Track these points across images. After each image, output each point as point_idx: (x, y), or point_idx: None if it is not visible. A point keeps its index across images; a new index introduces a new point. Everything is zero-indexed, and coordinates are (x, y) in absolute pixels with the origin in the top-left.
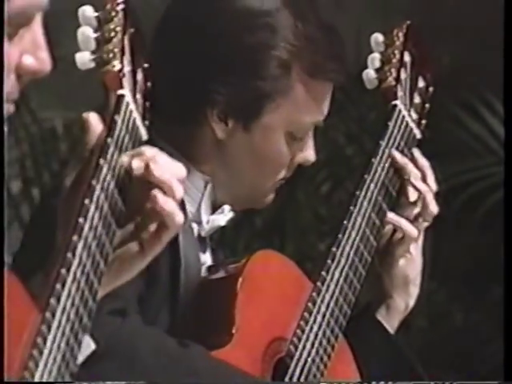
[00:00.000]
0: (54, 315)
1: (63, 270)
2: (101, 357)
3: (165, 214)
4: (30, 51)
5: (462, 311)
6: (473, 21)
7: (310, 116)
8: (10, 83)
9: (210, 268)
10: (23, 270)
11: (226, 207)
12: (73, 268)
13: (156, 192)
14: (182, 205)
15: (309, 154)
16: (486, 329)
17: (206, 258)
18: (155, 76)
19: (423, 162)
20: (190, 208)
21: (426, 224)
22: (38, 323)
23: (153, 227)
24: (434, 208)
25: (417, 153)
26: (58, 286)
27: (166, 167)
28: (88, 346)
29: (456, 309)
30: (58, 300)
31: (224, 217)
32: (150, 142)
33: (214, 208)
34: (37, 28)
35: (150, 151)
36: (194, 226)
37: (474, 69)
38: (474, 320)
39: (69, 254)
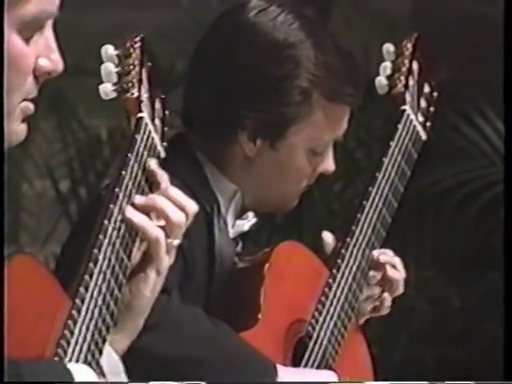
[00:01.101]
0: (82, 301)
1: (91, 264)
2: (150, 328)
3: (144, 235)
4: (45, 54)
5: (459, 295)
6: (470, 38)
7: (329, 135)
8: (29, 84)
9: (238, 257)
10: (69, 260)
11: (250, 214)
12: (99, 262)
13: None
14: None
15: (328, 164)
16: (480, 311)
17: (236, 250)
18: (194, 100)
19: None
20: (223, 210)
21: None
22: (69, 308)
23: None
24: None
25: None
26: (87, 276)
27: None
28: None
29: (453, 293)
30: (87, 289)
31: (248, 222)
32: (191, 154)
33: (242, 212)
34: (49, 33)
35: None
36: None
37: (470, 82)
38: (469, 303)
39: (95, 250)
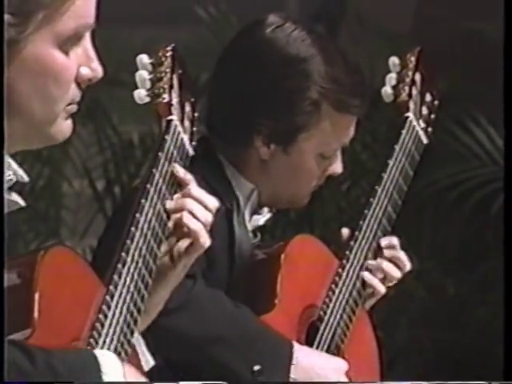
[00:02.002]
0: (116, 288)
1: (123, 253)
2: (177, 310)
3: (193, 236)
4: (85, 63)
5: (454, 284)
6: (464, 53)
7: (336, 141)
8: (72, 91)
9: (256, 249)
10: (104, 252)
11: (266, 209)
12: (131, 251)
13: (188, 217)
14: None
15: (337, 167)
16: (474, 298)
17: (254, 242)
18: (216, 107)
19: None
20: (241, 206)
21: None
22: (103, 294)
23: (184, 245)
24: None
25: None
26: (120, 265)
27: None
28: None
29: (449, 282)
30: (120, 276)
31: (263, 218)
32: (214, 156)
33: (259, 208)
34: (87, 43)
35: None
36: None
37: (465, 91)
38: (463, 291)
39: (128, 241)
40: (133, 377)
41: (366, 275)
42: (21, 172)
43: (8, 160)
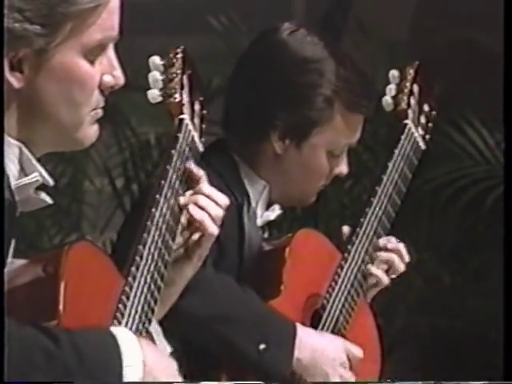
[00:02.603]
0: (134, 279)
1: (140, 246)
2: (188, 292)
3: (202, 227)
4: (108, 72)
5: (449, 274)
6: (459, 61)
7: (345, 139)
8: (96, 97)
9: (264, 241)
10: (123, 245)
11: (277, 206)
12: (147, 245)
13: (194, 208)
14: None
15: (343, 168)
16: (467, 288)
17: (263, 236)
18: (234, 105)
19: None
20: (252, 203)
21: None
22: (123, 286)
23: (196, 237)
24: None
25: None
26: (137, 257)
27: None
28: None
29: (445, 272)
30: (137, 268)
31: (274, 213)
32: (228, 156)
33: (269, 205)
34: (111, 53)
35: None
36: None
37: (459, 96)
38: (458, 281)
39: (144, 235)
40: (149, 349)
41: (372, 268)
42: (47, 177)
43: (36, 164)
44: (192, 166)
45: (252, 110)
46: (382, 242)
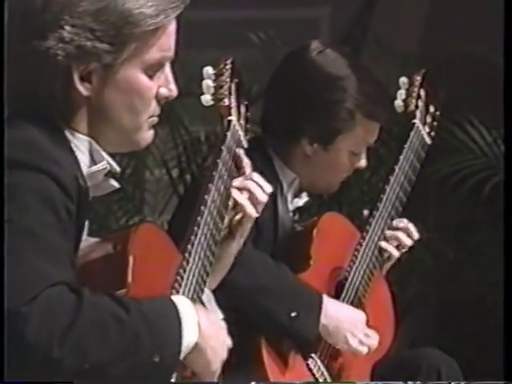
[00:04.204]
0: (190, 255)
1: (195, 227)
2: (232, 266)
3: (242, 209)
4: (164, 85)
5: (453, 250)
6: (463, 68)
7: (364, 142)
8: (153, 106)
9: (295, 223)
10: (178, 226)
11: (304, 194)
12: (201, 226)
13: (236, 192)
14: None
15: (362, 162)
16: (468, 262)
17: (294, 219)
18: (271, 114)
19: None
20: (285, 191)
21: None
22: (180, 260)
23: (237, 217)
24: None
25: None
26: (192, 237)
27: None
28: None
29: (449, 249)
30: (192, 245)
31: (302, 200)
32: (265, 151)
33: (299, 192)
34: (168, 70)
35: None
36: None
37: (462, 99)
38: (460, 256)
39: (198, 218)
40: (204, 315)
41: (384, 243)
42: (114, 165)
43: (103, 154)
44: (241, 152)
45: (285, 119)
46: (395, 222)
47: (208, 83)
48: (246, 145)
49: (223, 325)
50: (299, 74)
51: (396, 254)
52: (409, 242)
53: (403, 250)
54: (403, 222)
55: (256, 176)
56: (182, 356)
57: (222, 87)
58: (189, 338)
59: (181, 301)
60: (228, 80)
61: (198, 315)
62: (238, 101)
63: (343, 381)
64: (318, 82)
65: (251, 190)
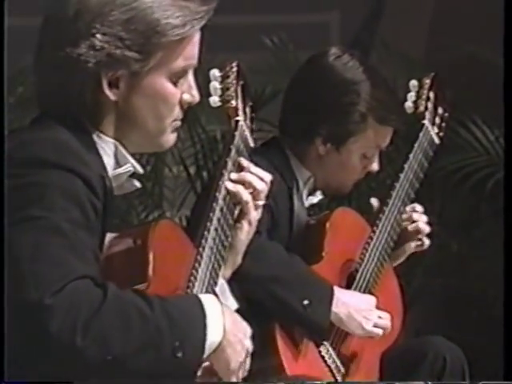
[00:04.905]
0: (204, 249)
1: (208, 223)
2: (247, 256)
3: (238, 198)
4: (187, 91)
5: (457, 243)
6: (467, 71)
7: (376, 146)
8: (177, 111)
9: (309, 216)
10: (194, 220)
11: (319, 192)
12: (214, 222)
13: (229, 184)
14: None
15: (374, 166)
16: (471, 254)
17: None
18: (289, 115)
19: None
20: (300, 188)
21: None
22: (195, 255)
23: (239, 206)
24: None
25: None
26: (205, 232)
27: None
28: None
29: (453, 241)
30: (206, 240)
31: (316, 198)
32: (282, 150)
33: (314, 191)
34: (190, 77)
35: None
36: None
37: (467, 101)
38: (463, 249)
39: (211, 214)
40: (228, 314)
41: (411, 210)
42: (138, 167)
43: (128, 157)
44: (243, 160)
45: (302, 119)
46: (409, 209)
47: (215, 85)
48: (252, 143)
49: (246, 327)
50: (317, 77)
51: (427, 242)
52: (427, 229)
53: (422, 236)
54: (417, 212)
55: (253, 168)
56: (206, 354)
57: (228, 89)
58: (213, 338)
59: (208, 300)
60: (234, 82)
61: (223, 316)
62: (244, 102)
63: (353, 368)
64: (334, 85)
65: (248, 181)
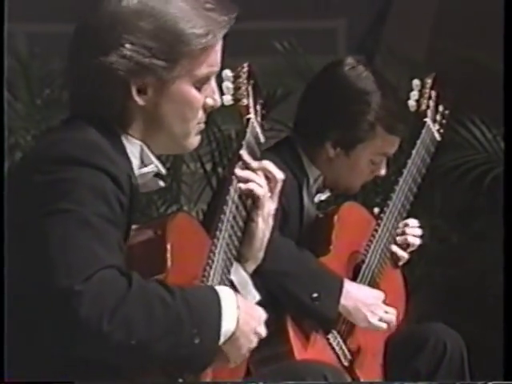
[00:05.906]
0: (218, 240)
1: (222, 215)
2: None
3: (250, 193)
4: (210, 96)
5: (457, 235)
6: (464, 71)
7: (383, 153)
8: (200, 114)
9: (317, 210)
10: (210, 214)
11: (327, 190)
12: (227, 214)
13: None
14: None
15: (382, 171)
16: (470, 246)
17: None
18: (302, 119)
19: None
20: (311, 185)
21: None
22: (210, 245)
23: (250, 201)
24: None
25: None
26: (220, 224)
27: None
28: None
29: (454, 234)
30: (220, 232)
31: (324, 195)
32: (295, 150)
33: (323, 188)
34: (213, 82)
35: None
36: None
37: (465, 100)
38: (462, 241)
39: (224, 207)
40: (244, 305)
41: (395, 247)
42: (161, 167)
43: (153, 158)
44: (246, 156)
45: (314, 122)
46: (401, 225)
47: (228, 85)
48: (263, 139)
49: (261, 314)
50: (332, 84)
51: (406, 256)
52: (417, 242)
53: (412, 249)
54: (408, 226)
55: (267, 163)
56: (221, 341)
57: (240, 88)
58: (227, 326)
59: (224, 292)
60: (245, 82)
61: (238, 306)
62: (254, 100)
63: (360, 354)
64: (346, 93)
65: (250, 178)
